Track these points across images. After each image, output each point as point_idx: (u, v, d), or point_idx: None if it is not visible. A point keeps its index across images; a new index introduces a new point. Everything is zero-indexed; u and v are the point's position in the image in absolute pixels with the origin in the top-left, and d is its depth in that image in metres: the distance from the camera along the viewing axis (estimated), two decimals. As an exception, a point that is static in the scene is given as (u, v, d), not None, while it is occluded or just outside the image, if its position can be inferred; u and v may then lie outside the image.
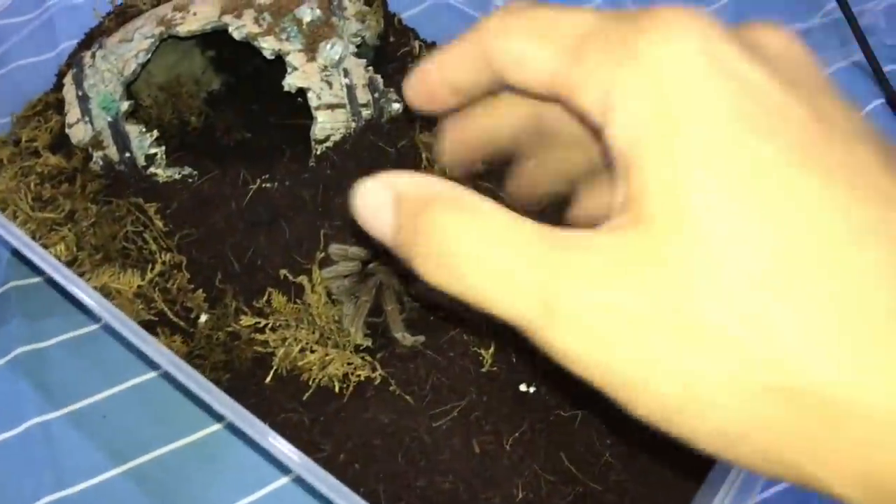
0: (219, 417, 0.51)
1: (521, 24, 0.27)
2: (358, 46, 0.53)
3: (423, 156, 0.53)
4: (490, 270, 0.24)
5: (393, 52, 0.58)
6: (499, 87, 0.30)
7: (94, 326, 0.55)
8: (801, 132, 0.22)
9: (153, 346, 0.43)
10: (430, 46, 0.60)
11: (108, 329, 0.54)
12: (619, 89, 0.24)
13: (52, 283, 0.56)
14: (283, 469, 0.49)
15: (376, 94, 0.53)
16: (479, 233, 0.24)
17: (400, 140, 0.54)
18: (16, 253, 0.56)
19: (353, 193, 0.28)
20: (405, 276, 0.49)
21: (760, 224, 0.21)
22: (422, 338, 0.48)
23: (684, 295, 0.22)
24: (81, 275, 0.49)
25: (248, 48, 0.53)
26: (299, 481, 0.48)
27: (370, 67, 0.53)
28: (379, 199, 0.27)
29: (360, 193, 0.28)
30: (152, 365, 0.53)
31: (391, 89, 0.54)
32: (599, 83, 0.25)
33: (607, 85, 0.24)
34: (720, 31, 0.24)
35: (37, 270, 0.56)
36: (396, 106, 0.54)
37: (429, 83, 0.31)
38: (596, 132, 0.25)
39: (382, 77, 0.54)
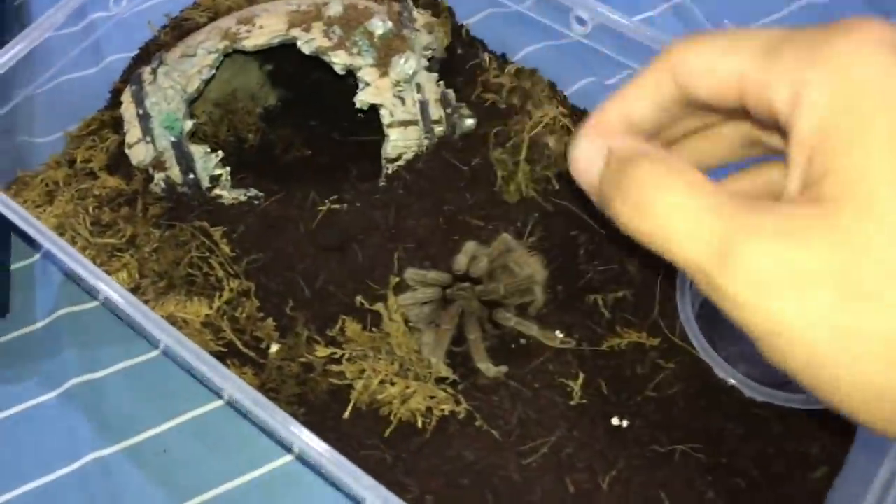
0: (287, 449, 0.48)
1: (709, 41, 0.30)
2: (429, 60, 0.50)
3: (499, 174, 0.51)
4: (679, 216, 0.27)
5: (461, 64, 0.56)
6: (678, 116, 0.33)
7: (152, 354, 0.53)
8: None
9: (227, 377, 0.40)
10: (500, 59, 0.57)
11: (167, 356, 0.52)
12: (810, 87, 0.27)
13: (108, 306, 0.53)
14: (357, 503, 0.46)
15: (449, 110, 0.51)
16: (675, 184, 0.28)
17: (474, 157, 0.51)
18: (68, 275, 0.54)
19: (571, 143, 0.32)
20: (487, 301, 0.46)
21: None
22: (505, 368, 0.46)
23: (858, 263, 0.24)
24: (145, 303, 0.46)
25: (306, 61, 0.50)
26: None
27: (441, 82, 0.51)
28: (593, 150, 0.31)
29: (577, 143, 0.32)
30: (214, 394, 0.50)
31: (463, 104, 0.52)
32: (791, 82, 0.27)
33: (798, 84, 0.27)
34: None
35: (90, 294, 0.54)
36: (469, 122, 0.52)
37: (603, 133, 0.32)
38: (778, 128, 0.29)
39: (453, 91, 0.52)
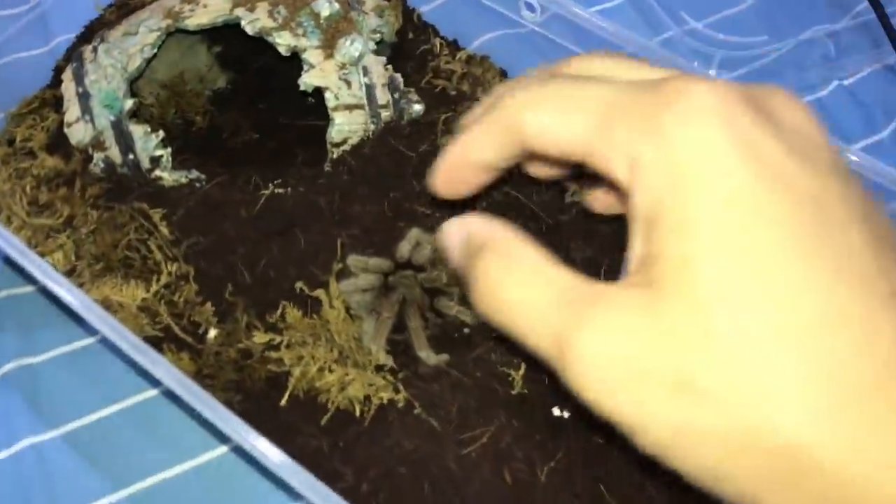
0: (225, 439, 0.48)
1: (547, 98, 0.30)
2: (377, 43, 0.50)
3: (446, 161, 0.50)
4: (521, 311, 0.29)
5: (412, 49, 0.55)
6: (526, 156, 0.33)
7: (91, 340, 0.52)
8: (802, 217, 0.25)
9: (159, 364, 0.40)
10: (451, 45, 0.57)
11: (106, 343, 0.51)
12: (642, 162, 0.27)
13: (45, 292, 0.52)
14: (294, 496, 0.45)
15: (396, 95, 0.50)
16: (516, 277, 0.29)
17: (421, 144, 0.51)
18: (7, 261, 0.53)
19: (441, 228, 0.34)
20: (429, 289, 0.46)
21: (754, 304, 0.25)
22: (446, 357, 0.45)
23: (683, 355, 0.25)
24: (80, 286, 0.45)
25: (256, 44, 0.50)
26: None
27: (389, 66, 0.50)
28: (455, 237, 0.33)
29: (446, 228, 0.34)
30: (154, 382, 0.50)
31: (411, 89, 0.51)
32: (625, 156, 0.28)
33: (633, 157, 0.27)
34: (740, 104, 0.27)
35: (29, 279, 0.53)
36: (417, 107, 0.51)
37: (456, 169, 0.35)
38: (624, 195, 0.29)
39: (402, 76, 0.51)
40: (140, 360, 0.40)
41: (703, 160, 0.26)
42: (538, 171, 0.39)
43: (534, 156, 0.33)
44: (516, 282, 0.29)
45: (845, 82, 0.65)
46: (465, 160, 0.34)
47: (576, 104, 0.29)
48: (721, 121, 0.26)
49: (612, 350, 0.26)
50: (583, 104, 0.29)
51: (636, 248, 0.28)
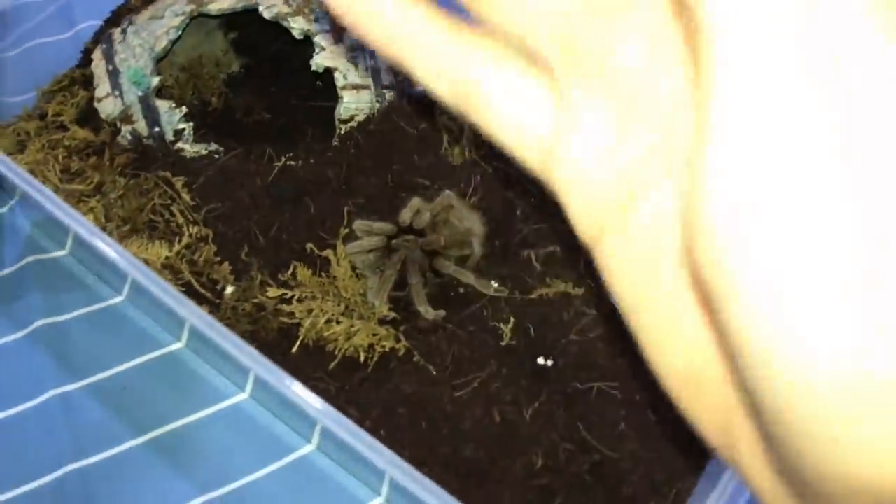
0: (240, 388, 0.52)
1: None
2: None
3: (445, 138, 0.55)
4: None
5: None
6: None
7: (115, 300, 0.56)
8: None
9: (185, 305, 0.44)
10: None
11: (129, 302, 0.55)
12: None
13: (74, 255, 0.56)
14: (306, 437, 0.49)
15: (400, 77, 0.54)
16: None
17: (422, 122, 0.55)
18: (37, 225, 0.57)
19: None
20: (429, 251, 0.50)
21: None
22: (443, 312, 0.49)
23: None
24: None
25: (268, 31, 0.54)
26: (323, 449, 0.49)
27: (393, 51, 0.55)
28: None
29: None
30: (173, 337, 0.53)
31: (413, 73, 0.56)
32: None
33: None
34: None
35: (58, 243, 0.57)
36: (419, 89, 0.55)
37: None
38: None
39: (405, 61, 0.55)
40: (172, 305, 0.44)
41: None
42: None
43: None
44: None
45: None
46: None
47: None
48: None
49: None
50: None
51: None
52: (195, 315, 0.43)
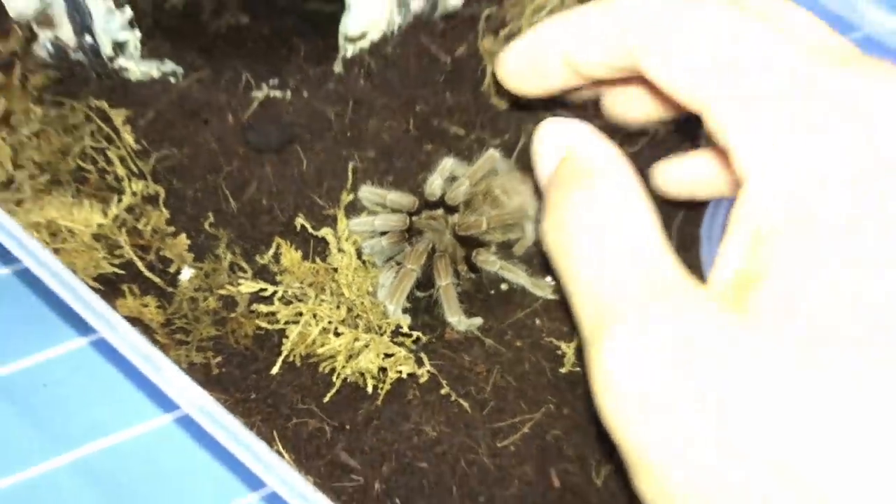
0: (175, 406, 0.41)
1: (690, 28, 0.27)
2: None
3: (488, 70, 0.44)
4: (596, 263, 0.26)
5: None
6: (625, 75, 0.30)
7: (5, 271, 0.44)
8: None
9: (96, 309, 0.33)
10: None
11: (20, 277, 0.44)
12: (778, 165, 0.25)
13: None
14: (252, 485, 0.38)
15: (432, -19, 0.42)
16: (615, 225, 0.27)
17: (458, 46, 0.44)
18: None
19: (538, 128, 0.31)
20: (464, 238, 0.38)
21: (851, 387, 0.22)
22: (480, 320, 0.39)
23: (764, 402, 0.23)
24: (18, 203, 0.38)
25: None
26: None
27: (423, -56, 0.41)
28: (551, 143, 0.29)
29: (544, 129, 0.30)
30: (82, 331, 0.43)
31: (448, -26, 0.43)
32: (761, 147, 0.25)
33: (769, 153, 0.25)
34: None
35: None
36: (454, 0, 0.42)
37: (540, 54, 0.31)
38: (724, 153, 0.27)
39: (438, -42, 0.43)
40: (84, 314, 0.32)
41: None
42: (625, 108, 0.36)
43: (635, 80, 0.30)
44: (613, 229, 0.26)
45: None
46: (553, 48, 0.31)
47: (721, 51, 0.26)
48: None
49: (657, 360, 0.24)
50: (728, 55, 0.26)
51: (732, 257, 0.26)
52: (110, 325, 0.32)
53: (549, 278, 0.40)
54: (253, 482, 0.40)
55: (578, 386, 0.38)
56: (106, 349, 0.43)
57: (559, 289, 0.40)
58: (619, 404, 0.24)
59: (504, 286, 0.40)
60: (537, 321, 0.39)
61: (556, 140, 0.29)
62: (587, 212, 0.27)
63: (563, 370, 0.37)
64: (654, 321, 0.24)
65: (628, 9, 0.29)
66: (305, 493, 0.32)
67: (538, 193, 0.40)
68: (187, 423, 0.41)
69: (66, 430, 0.41)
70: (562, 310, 0.39)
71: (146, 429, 0.42)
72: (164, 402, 0.42)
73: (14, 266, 0.45)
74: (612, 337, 0.24)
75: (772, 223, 0.24)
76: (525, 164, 0.42)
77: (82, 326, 0.42)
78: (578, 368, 0.38)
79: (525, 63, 0.33)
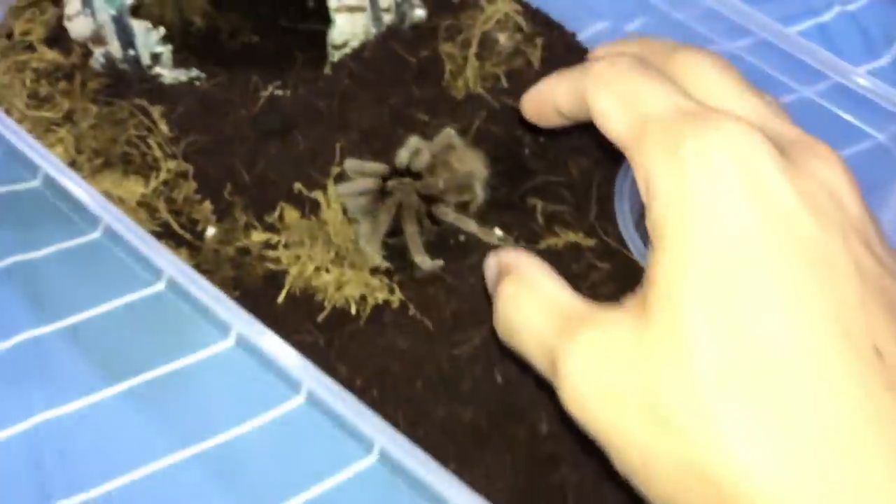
0: (226, 334, 0.48)
1: (615, 84, 0.32)
2: (381, -54, 0.50)
3: (447, 68, 0.51)
4: (526, 329, 0.31)
5: (415, -46, 0.55)
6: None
7: (92, 236, 0.52)
8: (796, 266, 0.26)
9: (161, 253, 0.40)
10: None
11: (107, 239, 0.51)
12: (656, 184, 0.28)
13: (46, 188, 0.52)
14: (294, 387, 0.46)
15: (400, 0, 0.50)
16: (526, 299, 0.32)
17: (422, 49, 0.51)
18: (8, 154, 0.53)
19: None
20: (426, 196, 0.46)
21: (730, 347, 0.25)
22: (441, 262, 0.46)
23: (657, 385, 0.26)
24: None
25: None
26: (312, 402, 0.46)
27: (393, -30, 0.50)
28: (491, 266, 0.36)
29: (488, 260, 0.36)
30: (153, 279, 0.50)
31: (414, -7, 0.51)
32: (645, 168, 0.29)
33: (650, 176, 0.29)
34: (764, 148, 0.27)
35: (30, 174, 0.53)
36: (419, 13, 0.51)
37: (540, 103, 0.38)
38: None
39: (405, -19, 0.51)
40: (144, 251, 0.41)
41: (710, 194, 0.27)
42: None
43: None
44: (525, 302, 0.32)
45: (848, 8, 0.65)
46: (545, 98, 0.37)
47: (630, 99, 0.31)
48: (739, 161, 0.27)
49: (594, 370, 0.28)
50: (635, 102, 0.31)
51: (652, 258, 0.29)
52: (172, 264, 0.40)
53: (496, 229, 0.48)
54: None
55: None
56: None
57: (504, 239, 0.47)
58: (578, 402, 0.28)
59: (462, 237, 0.47)
60: None
61: (492, 263, 0.35)
62: (512, 293, 0.32)
63: None
64: (593, 340, 0.28)
65: (584, 74, 0.33)
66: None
67: (484, 162, 0.50)
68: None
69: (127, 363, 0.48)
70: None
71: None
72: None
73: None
74: (564, 361, 0.28)
75: (657, 232, 0.28)
76: (476, 142, 0.49)
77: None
78: None
79: (533, 109, 0.38)
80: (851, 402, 0.24)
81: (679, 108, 0.29)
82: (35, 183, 0.53)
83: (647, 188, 0.29)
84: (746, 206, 0.27)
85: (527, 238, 0.47)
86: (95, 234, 0.52)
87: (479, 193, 0.47)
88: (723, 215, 0.27)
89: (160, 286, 0.50)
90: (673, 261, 0.27)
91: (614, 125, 0.31)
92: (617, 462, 0.28)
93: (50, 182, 0.52)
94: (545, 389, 0.42)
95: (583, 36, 0.57)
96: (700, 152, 0.27)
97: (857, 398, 0.25)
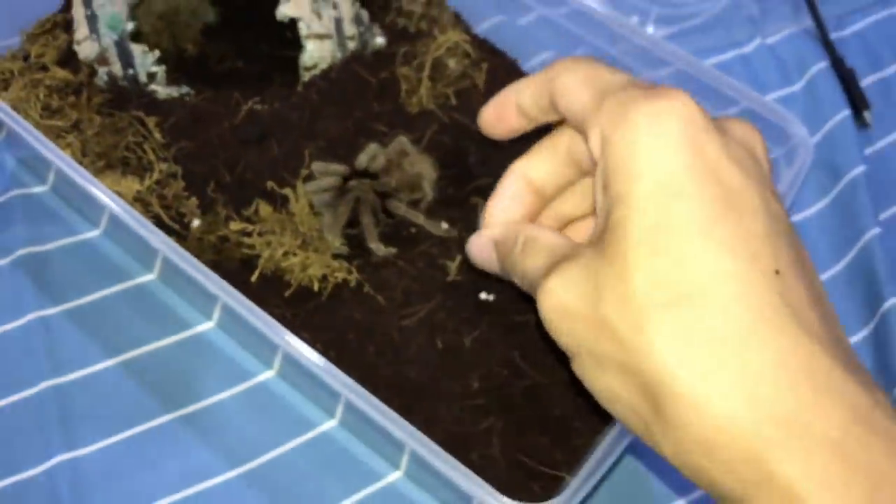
0: (207, 317, 0.55)
1: (579, 70, 0.38)
2: (347, -17, 0.58)
3: (403, 87, 0.58)
4: (533, 272, 0.38)
5: (379, -9, 0.63)
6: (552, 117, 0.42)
7: (92, 234, 0.59)
8: (717, 202, 0.32)
9: (158, 237, 0.48)
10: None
11: (106, 236, 0.58)
12: (610, 140, 0.35)
13: (55, 191, 0.60)
14: (267, 363, 0.53)
15: (362, 28, 0.58)
16: (534, 257, 0.39)
17: (381, 72, 0.58)
18: (22, 161, 0.60)
19: (468, 244, 0.46)
20: (382, 193, 0.54)
21: (658, 267, 0.32)
22: (394, 249, 0.53)
23: (605, 302, 0.33)
24: None
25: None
26: (282, 374, 0.53)
27: (357, 3, 0.58)
28: (485, 246, 0.44)
29: (472, 244, 0.45)
30: (146, 268, 0.57)
31: (375, 24, 0.59)
32: (601, 131, 0.35)
33: (605, 134, 0.35)
34: (700, 117, 0.33)
35: (40, 180, 0.60)
36: (380, 40, 0.59)
37: (503, 106, 0.43)
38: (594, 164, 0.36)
39: (368, 13, 0.59)
40: (145, 236, 0.48)
41: (652, 147, 0.33)
42: None
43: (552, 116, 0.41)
44: (535, 260, 0.38)
45: (768, 41, 0.72)
46: (510, 100, 0.42)
47: (594, 80, 0.37)
48: (680, 123, 0.33)
49: (562, 293, 0.34)
50: (598, 82, 0.37)
51: (597, 210, 0.36)
52: (166, 245, 0.47)
53: (443, 223, 0.54)
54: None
55: (458, 288, 0.51)
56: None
57: (449, 231, 0.53)
58: (550, 315, 0.35)
59: (413, 229, 0.53)
60: (433, 250, 0.52)
61: (487, 243, 0.44)
62: (524, 261, 0.39)
63: (448, 279, 0.51)
64: (564, 269, 0.35)
65: (550, 68, 0.40)
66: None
67: (433, 166, 0.56)
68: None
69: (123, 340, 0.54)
70: (451, 243, 0.53)
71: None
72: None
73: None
74: (543, 286, 0.35)
75: (608, 179, 0.34)
76: (428, 149, 0.56)
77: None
78: (459, 277, 0.51)
79: (494, 115, 0.44)
80: (753, 311, 0.30)
81: (634, 84, 0.36)
82: (45, 188, 0.61)
83: (602, 146, 0.35)
84: (682, 158, 0.32)
85: (469, 230, 0.53)
86: (96, 232, 0.59)
87: (429, 192, 0.54)
88: (662, 164, 0.32)
89: (152, 276, 0.58)
90: (618, 200, 0.33)
91: (576, 97, 0.37)
92: (575, 365, 0.35)
93: (57, 187, 0.59)
94: (478, 354, 0.50)
95: (526, 65, 0.65)
96: (649, 115, 0.33)
97: (758, 307, 0.30)
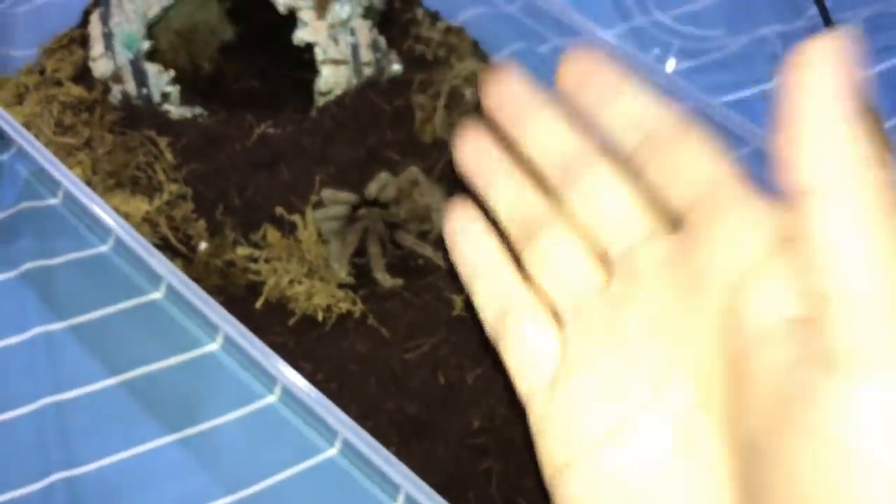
0: (212, 338, 0.55)
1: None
2: (366, 9, 0.57)
3: (418, 116, 0.58)
4: None
5: (397, 17, 0.63)
6: None
7: (101, 249, 0.59)
8: None
9: (161, 262, 0.47)
10: (432, 16, 0.64)
11: (115, 252, 0.58)
12: None
13: (64, 205, 0.60)
14: (270, 388, 0.53)
15: (378, 55, 0.57)
16: None
17: (396, 99, 0.58)
18: (34, 174, 0.60)
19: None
20: (391, 223, 0.53)
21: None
22: (400, 281, 0.52)
23: None
24: None
25: (261, 2, 0.57)
26: (284, 400, 0.53)
27: (375, 29, 0.58)
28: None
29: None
30: (153, 286, 0.57)
31: (393, 51, 0.59)
32: None
33: None
34: None
35: (51, 193, 0.60)
36: (396, 67, 0.58)
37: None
38: None
39: (386, 39, 0.58)
40: (147, 259, 0.48)
41: None
42: None
43: None
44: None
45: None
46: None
47: None
48: None
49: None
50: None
51: None
52: (170, 272, 0.47)
53: None
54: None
55: (463, 323, 0.50)
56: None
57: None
58: None
59: (421, 261, 0.53)
60: (440, 283, 0.52)
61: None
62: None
63: (454, 313, 0.51)
64: None
65: None
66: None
67: (444, 197, 0.56)
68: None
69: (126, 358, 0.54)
70: (458, 277, 0.54)
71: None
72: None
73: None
74: None
75: None
76: (440, 180, 0.55)
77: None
78: (465, 312, 0.51)
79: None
80: None
81: None
82: (55, 201, 0.61)
83: None
84: None
85: (477, 264, 0.54)
86: (104, 248, 0.59)
87: (437, 224, 0.54)
88: None
89: (159, 294, 0.57)
90: None
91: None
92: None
93: (68, 201, 0.59)
94: (480, 393, 0.49)
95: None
96: None
97: None
